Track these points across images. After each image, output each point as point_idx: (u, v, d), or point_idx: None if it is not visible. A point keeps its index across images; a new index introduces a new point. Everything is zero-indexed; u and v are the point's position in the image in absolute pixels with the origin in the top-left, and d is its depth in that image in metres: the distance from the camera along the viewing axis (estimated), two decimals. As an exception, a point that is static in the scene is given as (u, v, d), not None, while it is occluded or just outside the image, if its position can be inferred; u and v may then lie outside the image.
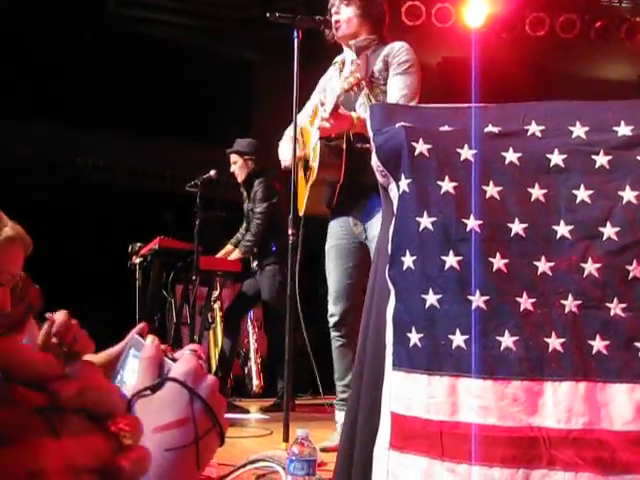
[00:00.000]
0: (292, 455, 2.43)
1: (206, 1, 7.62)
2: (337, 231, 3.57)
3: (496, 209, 2.04)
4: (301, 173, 3.55)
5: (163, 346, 0.75)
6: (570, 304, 2.00)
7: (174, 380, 0.69)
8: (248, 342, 6.53)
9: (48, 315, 1.80)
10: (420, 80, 3.35)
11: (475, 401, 1.92)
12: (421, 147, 2.07)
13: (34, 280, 2.49)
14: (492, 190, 2.05)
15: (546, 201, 2.05)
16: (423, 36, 6.98)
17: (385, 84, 3.35)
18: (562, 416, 1.93)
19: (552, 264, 2.01)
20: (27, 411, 0.39)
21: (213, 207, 5.94)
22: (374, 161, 2.11)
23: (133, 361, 0.79)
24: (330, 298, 3.61)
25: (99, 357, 0.96)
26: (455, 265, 1.99)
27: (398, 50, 3.37)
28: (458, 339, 1.95)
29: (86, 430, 0.43)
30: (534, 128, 2.11)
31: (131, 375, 0.78)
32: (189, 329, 5.12)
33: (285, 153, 3.59)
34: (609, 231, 2.04)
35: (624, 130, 2.11)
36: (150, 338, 0.75)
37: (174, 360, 0.73)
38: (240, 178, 5.57)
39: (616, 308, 2.01)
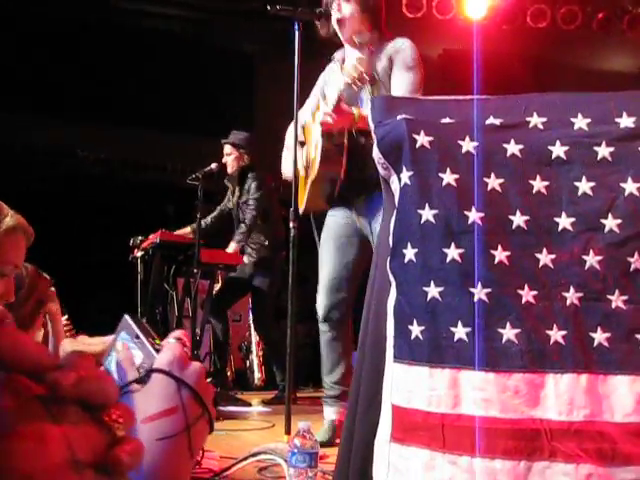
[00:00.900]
0: (294, 447, 2.43)
1: (207, -7, 7.60)
2: (337, 224, 3.55)
3: (498, 201, 2.04)
4: (302, 172, 3.54)
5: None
6: (571, 296, 1.99)
7: (159, 371, 0.69)
8: (249, 335, 6.54)
9: None
10: (423, 78, 3.34)
11: (477, 393, 1.93)
12: (422, 139, 2.06)
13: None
14: (494, 182, 2.04)
15: (548, 193, 2.05)
16: (424, 28, 6.96)
17: (389, 81, 3.34)
18: (564, 408, 1.93)
19: (554, 256, 2.01)
20: (29, 399, 0.39)
21: (214, 200, 5.94)
22: (375, 153, 2.11)
23: (119, 344, 0.78)
24: (321, 290, 3.56)
25: (94, 343, 0.96)
26: (457, 257, 1.99)
27: (402, 47, 3.36)
28: (460, 331, 1.95)
29: (83, 421, 0.43)
30: (536, 120, 2.11)
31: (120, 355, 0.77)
32: (191, 322, 5.13)
33: (286, 167, 3.58)
34: (611, 223, 2.03)
35: (626, 122, 2.10)
36: (174, 338, 0.75)
37: (157, 350, 0.73)
38: (231, 169, 5.58)
39: (617, 300, 2.01)
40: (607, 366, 1.97)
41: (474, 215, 2.01)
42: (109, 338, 0.81)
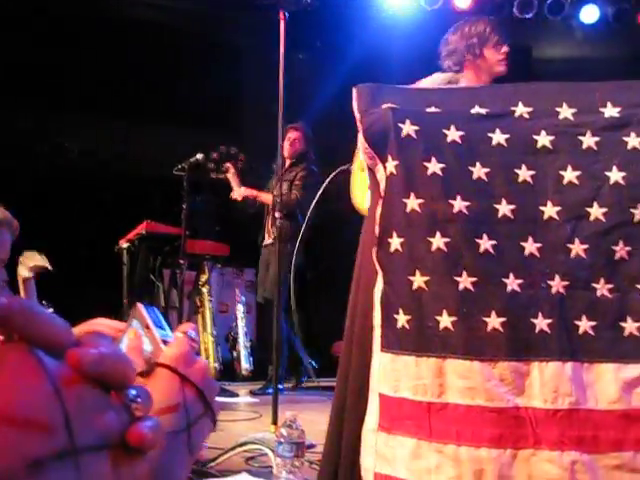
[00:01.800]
0: (281, 437, 2.43)
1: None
2: None
3: (483, 190, 2.04)
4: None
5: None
6: (557, 285, 2.00)
7: (164, 366, 0.68)
8: (236, 326, 6.53)
9: None
10: None
11: (462, 382, 1.93)
12: (408, 128, 2.06)
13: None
14: (479, 171, 2.05)
15: (533, 182, 2.06)
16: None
17: None
18: (549, 396, 1.94)
19: (539, 245, 2.02)
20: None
21: (200, 191, 5.91)
22: (361, 142, 2.10)
23: (131, 331, 0.77)
24: None
25: (111, 325, 0.94)
26: (442, 246, 1.99)
27: None
28: (445, 320, 1.96)
29: (103, 399, 0.42)
30: (521, 109, 2.11)
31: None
32: (177, 314, 5.11)
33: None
34: (596, 212, 2.04)
35: (611, 111, 2.11)
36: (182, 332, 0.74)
37: (165, 343, 0.72)
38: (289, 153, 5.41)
39: (602, 289, 2.02)
40: (592, 354, 1.99)
41: (459, 204, 2.01)
42: (124, 324, 0.80)
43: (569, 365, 1.96)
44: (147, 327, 0.76)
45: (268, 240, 5.39)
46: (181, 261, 4.91)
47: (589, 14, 6.58)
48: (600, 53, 7.00)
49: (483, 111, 2.10)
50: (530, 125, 2.09)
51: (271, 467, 2.55)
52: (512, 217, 2.03)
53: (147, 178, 7.14)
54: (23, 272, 2.73)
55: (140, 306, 0.80)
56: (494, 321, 1.96)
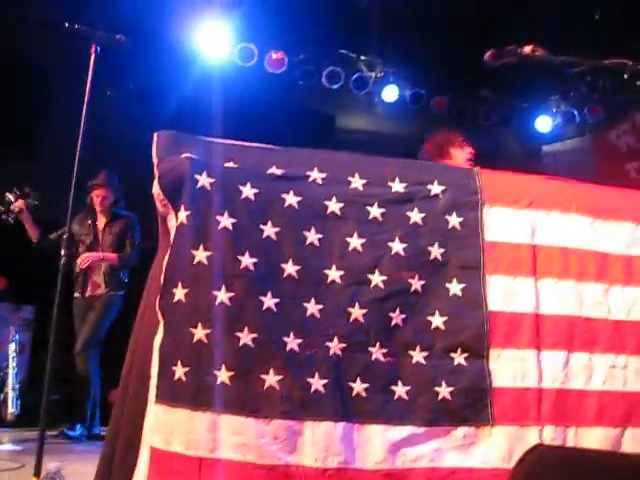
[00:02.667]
0: (41, 491, 2.28)
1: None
2: None
3: (272, 249, 2.08)
4: None
5: None
6: (335, 347, 2.07)
7: None
8: (7, 366, 6.09)
9: None
10: None
11: (235, 438, 1.92)
12: (204, 180, 2.06)
13: None
14: (269, 230, 2.09)
15: (320, 245, 2.13)
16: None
17: None
18: (319, 455, 1.98)
19: (321, 307, 2.08)
20: None
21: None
22: (155, 189, 2.07)
23: None
24: None
25: None
26: (226, 301, 1.99)
27: None
28: (223, 375, 1.95)
29: None
30: (316, 175, 2.19)
31: None
32: None
33: None
34: (377, 279, 2.15)
35: (397, 186, 2.25)
36: None
37: None
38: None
39: (377, 352, 2.11)
40: (363, 416, 2.06)
41: (247, 260, 2.04)
42: None
43: (340, 425, 2.02)
44: None
45: (98, 291, 5.19)
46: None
47: (390, 93, 7.00)
48: (396, 130, 7.45)
49: (279, 172, 2.16)
50: (322, 190, 2.18)
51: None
52: (297, 277, 2.08)
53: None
54: None
55: None
56: (272, 379, 1.98)
